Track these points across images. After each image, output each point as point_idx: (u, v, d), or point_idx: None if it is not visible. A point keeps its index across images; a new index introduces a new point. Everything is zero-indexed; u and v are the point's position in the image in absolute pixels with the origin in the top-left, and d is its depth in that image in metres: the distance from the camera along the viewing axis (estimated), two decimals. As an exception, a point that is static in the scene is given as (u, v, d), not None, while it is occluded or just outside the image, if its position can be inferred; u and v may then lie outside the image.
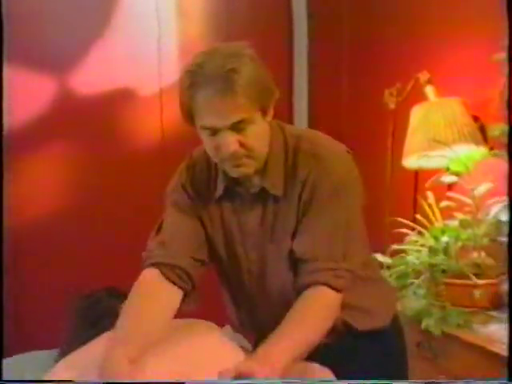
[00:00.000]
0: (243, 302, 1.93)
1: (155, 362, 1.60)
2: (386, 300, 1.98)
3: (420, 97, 2.72)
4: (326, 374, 1.74)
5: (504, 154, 2.39)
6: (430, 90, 2.70)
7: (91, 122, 2.95)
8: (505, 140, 2.37)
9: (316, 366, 1.74)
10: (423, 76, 2.71)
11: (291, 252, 1.73)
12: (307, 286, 1.68)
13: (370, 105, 3.08)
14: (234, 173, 1.72)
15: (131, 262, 2.72)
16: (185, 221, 1.83)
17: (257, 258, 1.82)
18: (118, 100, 2.99)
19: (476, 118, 2.60)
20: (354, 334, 1.83)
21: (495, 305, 2.32)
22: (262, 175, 1.74)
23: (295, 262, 1.73)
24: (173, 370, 1.57)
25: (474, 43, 2.62)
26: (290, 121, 3.39)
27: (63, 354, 1.83)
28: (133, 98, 3.01)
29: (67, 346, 1.89)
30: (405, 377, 1.97)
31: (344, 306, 1.74)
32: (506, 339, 1.63)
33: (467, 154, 2.51)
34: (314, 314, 1.68)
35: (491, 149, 2.50)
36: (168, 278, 1.75)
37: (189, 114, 1.65)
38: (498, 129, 2.41)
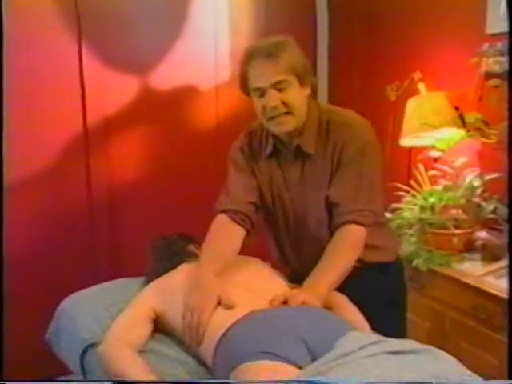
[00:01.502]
0: (287, 242, 1.93)
1: (231, 284, 1.66)
2: (392, 241, 2.03)
3: (414, 91, 2.72)
4: (352, 308, 1.70)
5: (477, 134, 2.47)
6: (421, 86, 2.70)
7: (165, 110, 2.99)
8: (478, 125, 2.45)
9: (344, 298, 1.72)
10: (416, 75, 2.72)
11: (327, 198, 1.76)
12: (340, 225, 1.72)
13: (375, 97, 3.06)
14: (277, 129, 1.76)
15: (193, 213, 2.89)
16: (242, 175, 1.88)
17: (300, 202, 1.83)
18: (185, 94, 3.03)
19: (457, 108, 2.59)
20: (364, 266, 1.81)
21: (468, 249, 2.37)
22: (299, 137, 1.77)
23: (330, 207, 1.77)
24: (239, 294, 1.62)
25: (456, 50, 2.62)
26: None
27: (148, 280, 1.88)
28: (195, 93, 3.04)
29: (150, 274, 1.91)
30: (404, 303, 1.99)
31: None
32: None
33: (449, 135, 2.51)
34: (347, 248, 1.72)
35: (468, 131, 2.50)
36: (233, 220, 1.82)
37: (244, 83, 1.73)
38: (473, 116, 2.45)
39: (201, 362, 1.61)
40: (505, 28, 2.28)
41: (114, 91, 2.84)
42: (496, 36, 2.38)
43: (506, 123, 2.28)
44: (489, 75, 2.39)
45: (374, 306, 1.66)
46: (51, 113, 2.74)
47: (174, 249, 2.00)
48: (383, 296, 1.85)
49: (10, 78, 2.50)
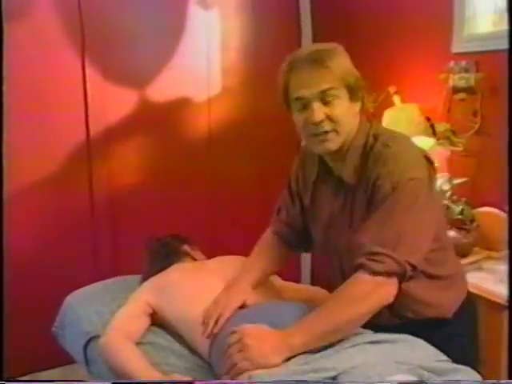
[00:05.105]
0: (333, 279, 1.57)
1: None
2: (452, 295, 1.56)
3: (390, 103, 2.74)
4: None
5: (446, 143, 2.51)
6: (396, 99, 2.72)
7: (162, 120, 3.00)
8: (447, 134, 2.50)
9: None
10: (392, 89, 2.74)
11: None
12: (354, 270, 1.35)
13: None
14: (319, 148, 1.42)
15: (187, 216, 2.87)
16: (290, 202, 1.67)
17: (340, 239, 1.50)
18: (180, 106, 3.03)
19: (428, 119, 2.59)
20: (410, 322, 1.49)
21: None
22: (342, 163, 1.44)
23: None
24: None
25: (427, 67, 2.66)
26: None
27: (144, 278, 1.89)
28: (189, 105, 3.05)
29: (146, 273, 1.92)
30: (471, 360, 1.46)
31: (405, 299, 1.41)
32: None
33: (421, 143, 2.41)
34: (342, 303, 1.34)
35: (438, 140, 2.52)
36: (278, 239, 1.72)
37: (284, 93, 1.41)
38: (442, 126, 2.49)
39: (195, 352, 1.62)
40: (467, 48, 2.39)
41: (114, 103, 2.86)
42: (460, 55, 2.45)
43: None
44: (456, 90, 2.46)
45: None
46: (56, 122, 2.76)
47: (168, 249, 2.00)
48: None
49: (18, 90, 2.58)
